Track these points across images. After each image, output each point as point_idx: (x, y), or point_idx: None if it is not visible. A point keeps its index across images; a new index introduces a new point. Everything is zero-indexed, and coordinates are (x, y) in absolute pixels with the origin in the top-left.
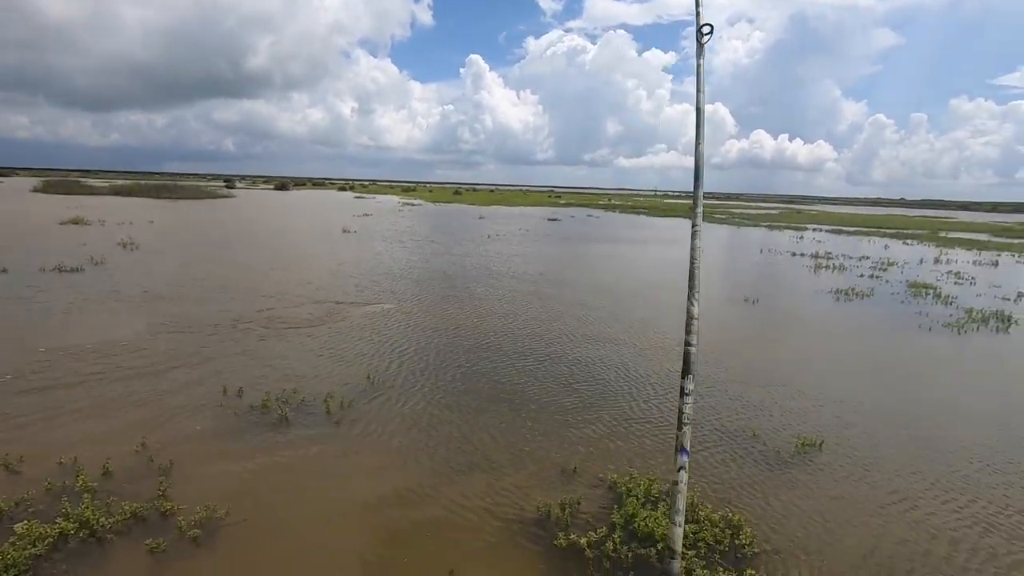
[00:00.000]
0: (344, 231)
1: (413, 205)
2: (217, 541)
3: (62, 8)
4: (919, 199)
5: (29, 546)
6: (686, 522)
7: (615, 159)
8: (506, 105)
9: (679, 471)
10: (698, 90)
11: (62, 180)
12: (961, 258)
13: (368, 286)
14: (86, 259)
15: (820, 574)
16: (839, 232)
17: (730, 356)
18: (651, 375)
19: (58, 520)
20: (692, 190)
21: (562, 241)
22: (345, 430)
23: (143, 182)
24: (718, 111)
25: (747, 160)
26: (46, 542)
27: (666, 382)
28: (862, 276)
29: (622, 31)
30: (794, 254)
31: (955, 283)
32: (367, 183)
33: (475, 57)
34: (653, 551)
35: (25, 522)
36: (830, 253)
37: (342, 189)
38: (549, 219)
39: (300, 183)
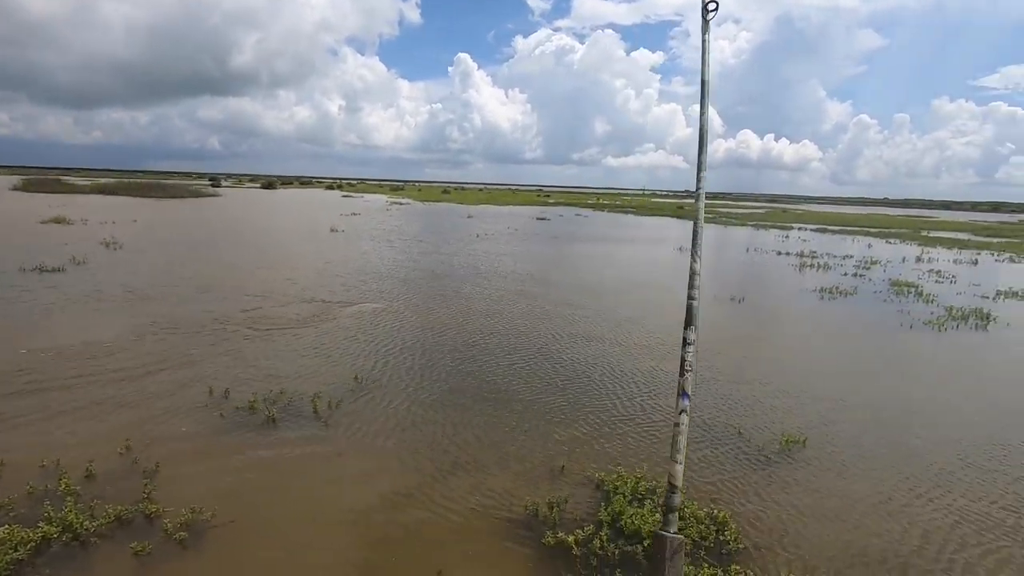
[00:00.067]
0: (332, 230)
1: (401, 204)
2: (203, 543)
3: (44, 4)
4: (902, 198)
5: (11, 551)
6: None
7: (603, 158)
8: (494, 104)
9: (680, 414)
10: (703, 64)
11: (43, 178)
12: (942, 257)
13: (355, 285)
14: (68, 259)
15: (802, 568)
16: (824, 231)
17: (716, 355)
18: (636, 373)
19: (40, 524)
20: (697, 154)
21: (550, 240)
22: (333, 431)
23: (126, 181)
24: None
25: (734, 160)
26: (28, 546)
27: (651, 380)
28: (846, 275)
29: (610, 31)
30: (780, 253)
31: (936, 281)
32: (355, 182)
33: (463, 55)
34: (640, 548)
35: (6, 526)
36: (815, 252)
37: (330, 188)
38: (538, 218)
39: (287, 182)
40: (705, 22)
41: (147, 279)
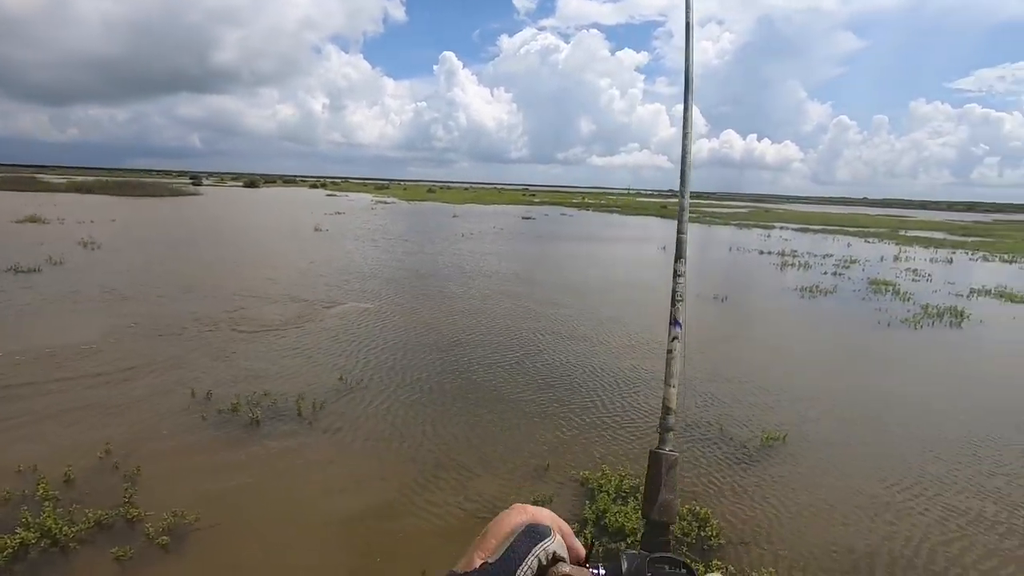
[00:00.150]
0: (316, 229)
1: (386, 203)
2: (186, 547)
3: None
4: (881, 198)
5: None
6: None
7: (588, 157)
8: (480, 103)
9: (672, 340)
10: (687, 42)
11: (17, 176)
12: (919, 256)
13: (339, 285)
14: (44, 259)
15: (783, 562)
16: (805, 230)
17: (698, 354)
18: (619, 372)
19: (18, 530)
20: (682, 134)
21: (535, 240)
22: (317, 432)
23: (104, 179)
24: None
25: (717, 159)
26: (5, 553)
27: (633, 378)
28: (826, 273)
29: (595, 30)
30: (762, 252)
31: (913, 280)
32: (339, 180)
33: (448, 54)
34: (623, 545)
35: None
36: (796, 251)
37: (313, 187)
38: (523, 217)
39: (270, 180)
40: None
41: (126, 279)
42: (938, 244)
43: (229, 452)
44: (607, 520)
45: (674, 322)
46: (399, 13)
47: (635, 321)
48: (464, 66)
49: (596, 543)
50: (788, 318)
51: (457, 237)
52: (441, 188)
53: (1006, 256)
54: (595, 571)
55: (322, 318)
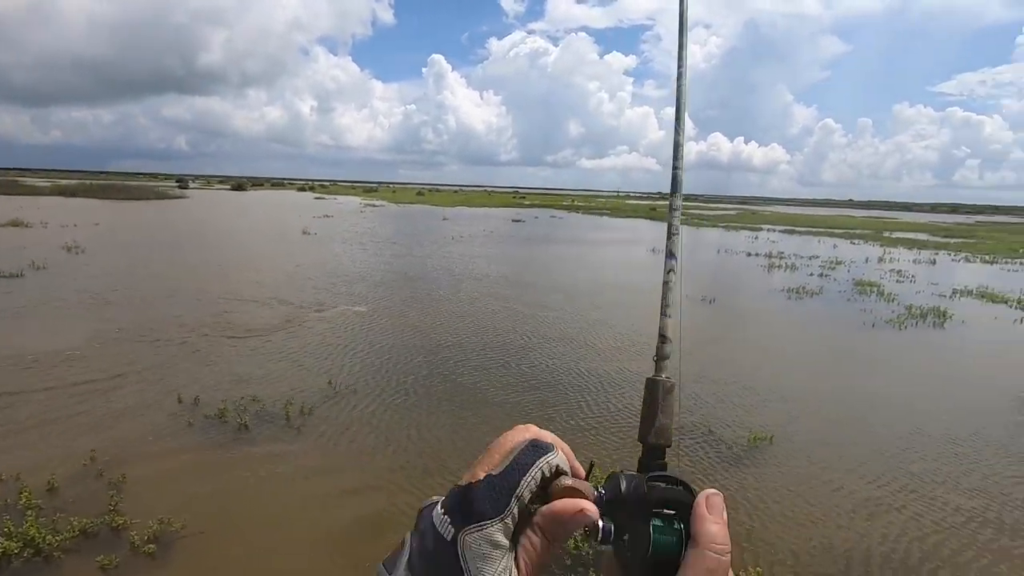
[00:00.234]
0: (304, 232)
1: (375, 206)
2: (173, 555)
3: None
4: (866, 200)
5: None
6: None
7: (578, 160)
8: (469, 105)
9: (668, 273)
10: (680, 30)
11: None
12: (903, 257)
13: (327, 288)
14: (27, 264)
15: (769, 560)
16: (791, 232)
17: (686, 355)
18: (605, 374)
19: (0, 540)
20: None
21: (525, 243)
22: (306, 438)
23: (88, 182)
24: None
25: (705, 162)
26: None
27: (620, 380)
28: (812, 275)
29: (583, 34)
30: (749, 254)
31: (897, 281)
32: (328, 183)
33: (437, 57)
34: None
35: None
36: (783, 253)
37: (302, 189)
38: (513, 220)
39: (258, 183)
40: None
41: (111, 284)
42: (921, 245)
43: (216, 458)
44: None
45: (669, 255)
46: (387, 16)
47: (623, 323)
48: (453, 69)
49: (594, 462)
50: (775, 319)
51: (446, 240)
52: (431, 191)
53: (987, 257)
54: (596, 490)
55: (310, 322)
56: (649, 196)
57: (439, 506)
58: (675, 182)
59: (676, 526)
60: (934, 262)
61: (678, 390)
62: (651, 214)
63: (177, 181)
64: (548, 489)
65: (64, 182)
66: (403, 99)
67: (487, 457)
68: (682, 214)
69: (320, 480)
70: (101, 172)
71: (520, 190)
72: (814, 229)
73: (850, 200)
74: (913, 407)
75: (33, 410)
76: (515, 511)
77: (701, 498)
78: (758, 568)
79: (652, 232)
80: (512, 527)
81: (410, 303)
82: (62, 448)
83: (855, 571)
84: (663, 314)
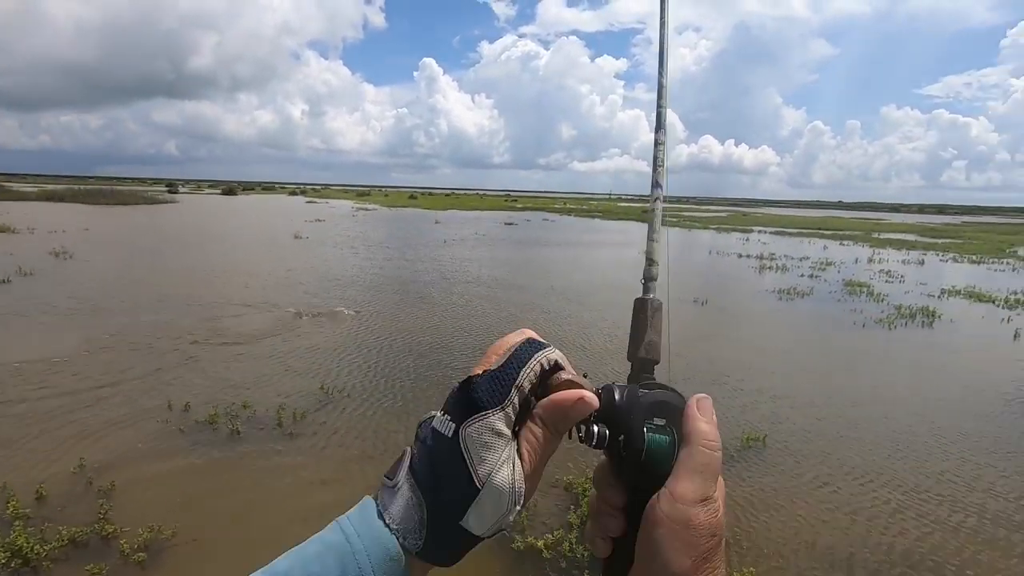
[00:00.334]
0: (295, 237)
1: (367, 210)
2: (164, 563)
3: None
4: (855, 201)
5: None
6: None
7: (570, 163)
8: (461, 109)
9: (655, 201)
10: (662, 18)
11: None
12: (892, 257)
13: (319, 293)
14: (14, 270)
15: (764, 561)
16: (782, 234)
17: (676, 357)
18: (599, 376)
19: None
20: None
21: (517, 245)
22: (298, 443)
23: (77, 187)
24: (668, 116)
25: (696, 164)
26: None
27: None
28: (802, 276)
29: (574, 37)
30: (740, 255)
31: (886, 281)
32: (319, 187)
33: (429, 60)
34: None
35: None
36: (774, 254)
37: (293, 194)
38: (505, 223)
39: (248, 188)
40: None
41: (100, 290)
42: (910, 246)
43: (207, 465)
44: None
45: (656, 184)
46: (378, 19)
47: (616, 323)
48: (445, 72)
49: (587, 374)
50: (766, 320)
51: (439, 243)
52: (423, 194)
53: (974, 257)
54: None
55: (302, 327)
56: (641, 198)
57: (439, 411)
58: (659, 119)
59: (668, 431)
60: (922, 262)
61: (666, 309)
62: (643, 217)
63: (167, 186)
64: (547, 382)
65: (52, 187)
66: (395, 102)
67: (484, 359)
68: (670, 220)
69: (313, 486)
70: (90, 177)
71: (512, 193)
72: (804, 230)
73: (840, 201)
74: (903, 406)
75: (20, 418)
76: (515, 401)
77: (692, 401)
78: (751, 569)
79: (643, 235)
80: (513, 417)
81: (402, 306)
82: (50, 456)
83: (848, 569)
84: (650, 239)
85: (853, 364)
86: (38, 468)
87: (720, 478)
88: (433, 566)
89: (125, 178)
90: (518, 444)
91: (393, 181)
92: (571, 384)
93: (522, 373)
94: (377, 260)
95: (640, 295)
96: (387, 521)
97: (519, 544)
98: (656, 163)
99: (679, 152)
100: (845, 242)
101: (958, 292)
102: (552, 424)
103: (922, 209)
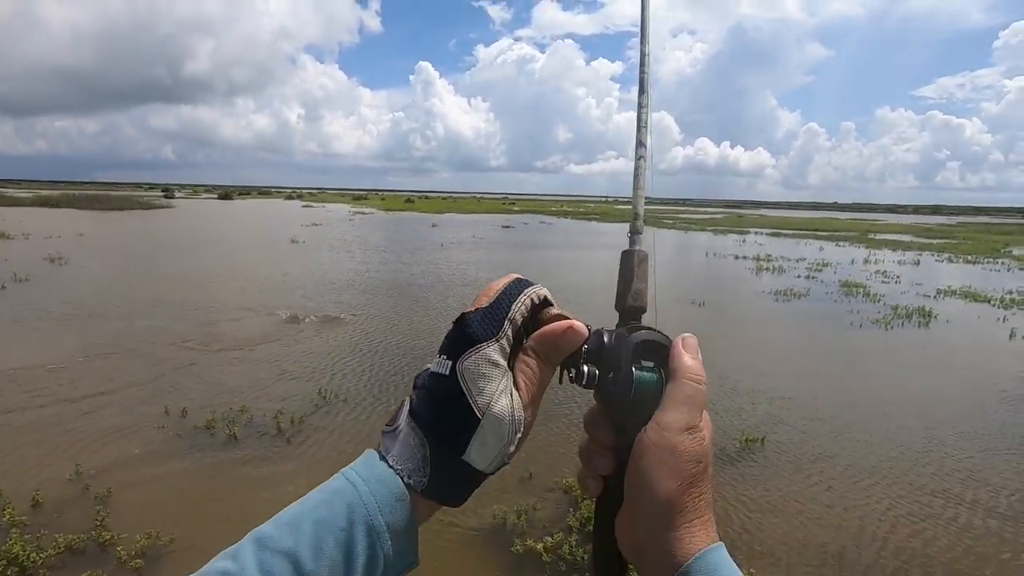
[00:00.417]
0: (292, 241)
1: (364, 214)
2: (161, 570)
3: None
4: (851, 202)
5: None
6: None
7: (566, 165)
8: (457, 112)
9: (638, 160)
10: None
11: None
12: (888, 258)
13: (316, 297)
14: (9, 276)
15: (762, 559)
16: (778, 235)
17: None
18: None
19: None
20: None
21: (515, 248)
22: (296, 448)
23: (72, 192)
24: (664, 119)
25: (692, 166)
26: None
27: None
28: (799, 277)
29: (570, 40)
30: (737, 257)
31: (882, 282)
32: (316, 191)
33: (425, 64)
34: None
35: None
36: (770, 256)
37: (289, 198)
38: (503, 226)
39: (245, 192)
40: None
41: (96, 296)
42: (906, 247)
43: (205, 470)
44: (591, 527)
45: (640, 144)
46: (374, 23)
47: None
48: (441, 76)
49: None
50: (763, 321)
51: (436, 247)
52: (420, 198)
53: (969, 257)
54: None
55: (299, 331)
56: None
57: (436, 356)
58: (642, 84)
59: (656, 370)
60: (918, 263)
61: (652, 259)
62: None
63: (163, 191)
64: (538, 316)
65: (48, 193)
66: (391, 106)
67: (476, 302)
68: (667, 221)
69: (311, 488)
70: (86, 182)
71: (509, 196)
72: (800, 232)
73: (835, 203)
74: (899, 405)
75: (15, 425)
76: (509, 333)
77: (677, 340)
78: (751, 569)
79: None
80: (508, 349)
81: (399, 310)
82: (46, 463)
83: (839, 566)
84: (635, 195)
85: (850, 364)
86: (34, 475)
87: (706, 413)
88: (441, 506)
89: (121, 183)
90: (514, 377)
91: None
92: (560, 317)
93: (513, 307)
94: (374, 264)
95: (626, 248)
96: (391, 463)
97: (518, 547)
98: (640, 124)
99: (675, 154)
100: (841, 243)
101: (954, 292)
102: (544, 354)
103: (917, 210)
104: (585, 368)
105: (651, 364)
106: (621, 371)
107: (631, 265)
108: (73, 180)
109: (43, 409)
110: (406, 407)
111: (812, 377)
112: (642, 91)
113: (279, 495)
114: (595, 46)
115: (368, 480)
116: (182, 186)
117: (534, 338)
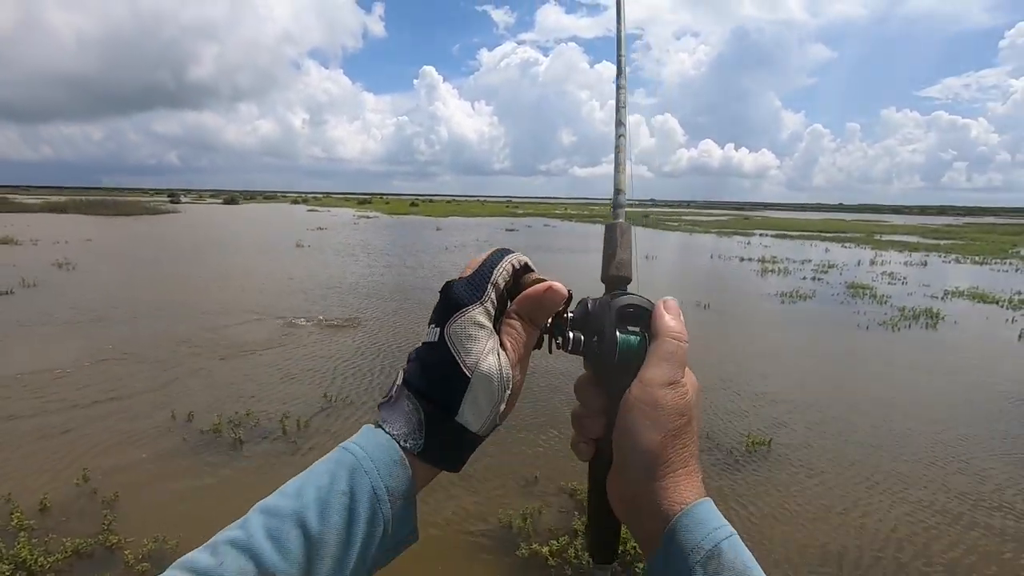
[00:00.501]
0: (297, 245)
1: (369, 218)
2: None
3: None
4: (856, 203)
5: None
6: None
7: (571, 168)
8: (461, 116)
9: (619, 138)
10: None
11: None
12: (894, 259)
13: (321, 301)
14: (17, 281)
15: (765, 560)
16: (783, 237)
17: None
18: None
19: None
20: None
21: (519, 251)
22: (302, 451)
23: (79, 198)
24: (668, 121)
25: (697, 168)
26: None
27: None
28: (805, 279)
29: (573, 43)
30: (742, 259)
31: (889, 283)
32: (321, 196)
33: (428, 68)
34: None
35: None
36: (775, 257)
37: (295, 202)
38: (507, 229)
39: (250, 196)
40: None
41: (104, 301)
42: (912, 248)
43: (212, 474)
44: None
45: (619, 123)
46: (378, 28)
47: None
48: (445, 80)
49: (571, 291)
50: (769, 323)
51: (440, 250)
52: (424, 201)
53: (977, 258)
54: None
55: (304, 335)
56: (642, 203)
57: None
58: (619, 66)
59: (640, 333)
60: (925, 264)
61: (632, 232)
62: (644, 221)
63: (169, 196)
64: (520, 281)
65: (54, 199)
66: (395, 110)
67: (461, 273)
68: (671, 223)
69: None
70: (92, 188)
71: (513, 199)
72: (806, 233)
73: (840, 204)
74: (906, 408)
75: (23, 429)
76: (492, 297)
77: (659, 302)
78: None
79: (645, 240)
80: (492, 312)
81: (404, 314)
82: (54, 467)
83: (839, 565)
84: (616, 171)
85: (857, 367)
86: (41, 479)
87: (689, 370)
88: (440, 470)
89: (127, 188)
90: (500, 339)
91: (394, 189)
92: (541, 280)
93: (496, 271)
94: (378, 267)
95: (608, 221)
96: (387, 430)
97: (524, 551)
98: (619, 105)
99: (679, 156)
100: (847, 244)
101: (961, 293)
102: (528, 315)
103: (923, 211)
104: (571, 334)
105: (636, 329)
106: (605, 335)
107: (614, 236)
108: (80, 185)
109: (51, 413)
110: (400, 378)
111: (818, 379)
112: (619, 72)
113: None
114: (599, 49)
115: (367, 447)
116: (187, 191)
117: (517, 301)
